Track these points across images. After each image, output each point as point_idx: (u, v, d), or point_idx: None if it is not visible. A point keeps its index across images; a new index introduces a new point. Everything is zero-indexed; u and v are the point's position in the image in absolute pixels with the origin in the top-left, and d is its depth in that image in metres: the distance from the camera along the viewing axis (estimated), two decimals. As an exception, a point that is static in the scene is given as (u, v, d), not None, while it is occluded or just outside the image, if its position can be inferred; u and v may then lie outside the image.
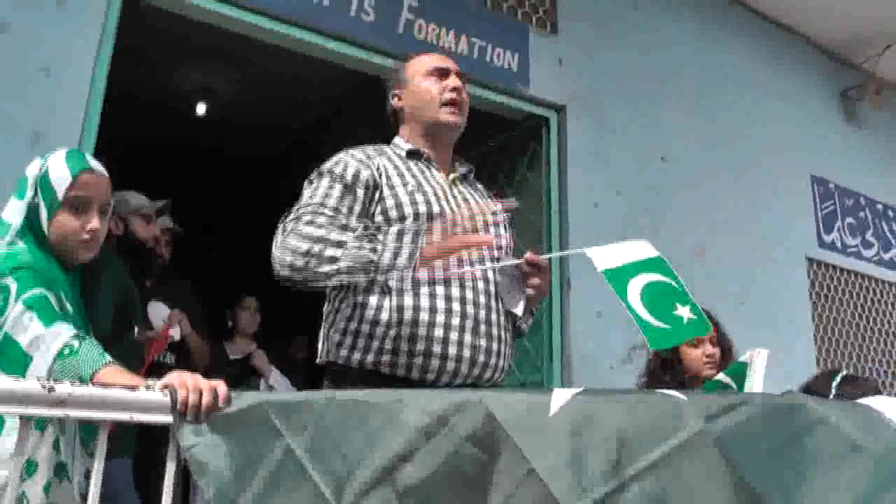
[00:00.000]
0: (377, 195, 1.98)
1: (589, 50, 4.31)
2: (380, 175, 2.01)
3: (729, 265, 4.54)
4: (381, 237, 1.79)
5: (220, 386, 1.43)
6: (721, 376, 2.39)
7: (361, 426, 1.37)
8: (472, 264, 1.98)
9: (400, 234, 1.79)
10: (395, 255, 1.77)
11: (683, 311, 1.79)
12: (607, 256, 1.89)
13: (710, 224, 4.55)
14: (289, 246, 1.82)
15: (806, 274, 5.12)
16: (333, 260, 1.76)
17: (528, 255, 2.00)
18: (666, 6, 4.77)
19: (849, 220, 5.53)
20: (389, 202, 1.97)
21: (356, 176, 1.97)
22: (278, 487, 1.34)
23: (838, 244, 5.40)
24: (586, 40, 4.32)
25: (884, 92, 5.79)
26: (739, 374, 2.41)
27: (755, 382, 2.29)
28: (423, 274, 1.89)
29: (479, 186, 2.27)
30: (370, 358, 1.89)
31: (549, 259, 2.19)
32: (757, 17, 5.33)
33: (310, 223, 1.85)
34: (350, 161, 2.01)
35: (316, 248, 1.79)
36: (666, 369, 2.90)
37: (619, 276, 1.84)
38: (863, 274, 5.58)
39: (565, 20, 4.26)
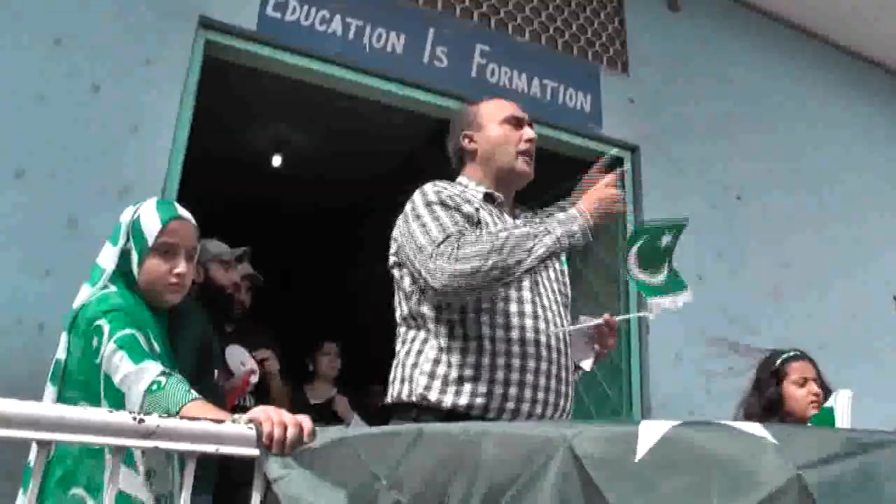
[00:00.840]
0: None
1: (660, 90, 4.30)
2: (477, 210, 2.05)
3: (809, 307, 4.41)
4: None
5: (305, 420, 1.44)
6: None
7: (450, 461, 1.35)
8: (554, 317, 2.04)
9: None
10: (571, 222, 1.90)
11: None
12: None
13: (787, 263, 4.43)
14: (467, 255, 1.83)
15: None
16: (522, 249, 1.83)
17: (606, 317, 2.06)
18: (737, 42, 4.73)
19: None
20: None
21: (459, 208, 2.01)
22: None
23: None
24: (657, 80, 4.31)
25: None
26: (828, 421, 2.33)
27: (842, 425, 2.21)
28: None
29: None
30: (463, 400, 1.90)
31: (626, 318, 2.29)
32: (834, 49, 5.24)
33: (461, 243, 1.87)
34: (451, 192, 2.05)
35: (498, 242, 1.83)
36: (767, 410, 2.76)
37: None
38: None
39: (636, 60, 4.26)
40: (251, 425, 1.39)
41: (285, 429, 1.40)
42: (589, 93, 4.02)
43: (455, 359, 1.93)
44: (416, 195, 2.06)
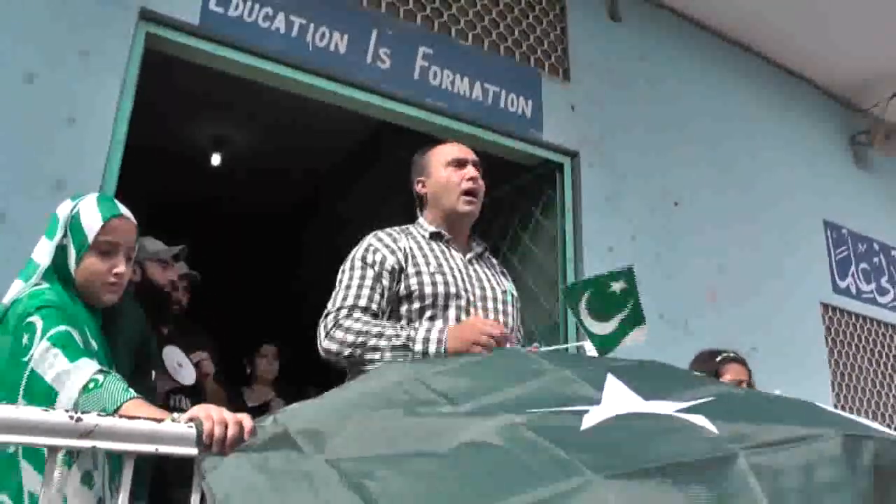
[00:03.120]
0: (402, 276, 2.25)
1: (600, 97, 4.37)
2: (405, 258, 2.28)
3: (742, 310, 4.52)
4: (416, 325, 2.15)
5: (246, 419, 1.43)
6: None
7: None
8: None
9: (431, 319, 2.19)
10: (426, 341, 2.06)
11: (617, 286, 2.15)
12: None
13: (722, 268, 4.55)
14: (336, 338, 2.13)
15: (821, 320, 5.09)
16: (376, 349, 2.08)
17: (534, 346, 2.13)
18: (676, 53, 4.84)
19: (863, 265, 5.52)
20: (413, 280, 2.23)
21: (382, 264, 2.25)
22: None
23: (853, 290, 5.38)
24: (597, 87, 4.38)
25: (892, 136, 5.82)
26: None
27: None
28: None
29: (494, 262, 2.55)
30: None
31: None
32: (767, 63, 5.41)
33: (348, 317, 2.16)
34: (379, 248, 2.29)
35: (360, 339, 2.10)
36: None
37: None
38: (879, 320, 5.54)
39: (577, 67, 4.33)
40: (191, 424, 1.38)
41: (226, 427, 1.39)
42: (530, 98, 4.06)
43: None
44: (361, 243, 2.34)
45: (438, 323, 2.17)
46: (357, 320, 2.14)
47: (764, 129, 5.22)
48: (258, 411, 4.02)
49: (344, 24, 3.56)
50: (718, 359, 3.06)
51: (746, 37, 5.20)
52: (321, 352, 2.17)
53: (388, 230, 2.39)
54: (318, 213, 6.60)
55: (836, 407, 4.90)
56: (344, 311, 2.18)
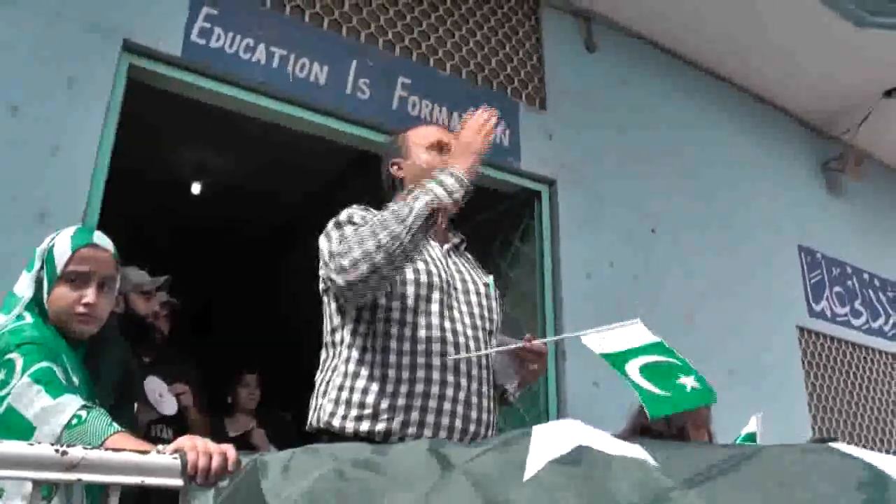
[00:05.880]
0: None
1: (577, 126, 4.44)
2: None
3: (719, 335, 4.57)
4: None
5: (230, 450, 1.44)
6: None
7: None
8: (468, 342, 2.01)
9: (414, 312, 1.98)
10: (442, 184, 1.91)
11: (687, 381, 1.77)
12: (605, 342, 1.88)
13: (699, 294, 4.61)
14: (356, 245, 1.86)
15: (797, 343, 5.16)
16: (403, 219, 1.85)
17: (527, 338, 2.04)
18: (651, 83, 4.93)
19: (837, 289, 5.60)
20: None
21: (365, 221, 2.02)
22: None
23: (828, 313, 5.46)
24: (574, 116, 4.44)
25: (863, 163, 5.95)
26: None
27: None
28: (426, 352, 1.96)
29: (470, 257, 2.34)
30: (364, 426, 1.90)
31: (547, 342, 2.21)
32: (740, 91, 5.51)
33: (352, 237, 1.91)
34: (355, 213, 2.07)
35: (381, 225, 1.86)
36: (675, 437, 2.84)
37: (617, 358, 1.83)
38: (853, 343, 5.62)
39: (553, 96, 4.39)
40: (176, 455, 1.39)
41: (210, 458, 1.40)
42: (508, 127, 4.11)
43: (359, 385, 1.93)
44: (331, 220, 2.11)
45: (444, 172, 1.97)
46: (363, 229, 1.90)
47: (739, 155, 5.31)
48: (240, 440, 4.01)
49: (324, 54, 3.60)
50: None
51: (720, 66, 5.30)
52: (348, 292, 1.88)
53: (363, 206, 2.16)
54: (296, 240, 6.63)
55: (812, 429, 4.96)
56: (349, 232, 1.94)
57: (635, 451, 1.31)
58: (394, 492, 1.34)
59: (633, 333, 1.88)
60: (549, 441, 1.36)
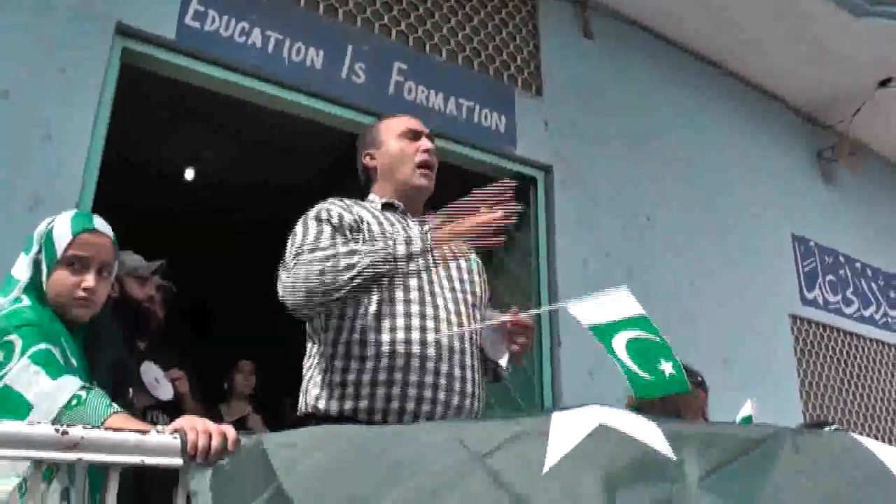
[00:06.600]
0: (361, 230, 2.05)
1: (573, 112, 4.43)
2: (360, 221, 2.07)
3: (713, 323, 4.59)
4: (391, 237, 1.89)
5: (229, 430, 1.44)
6: None
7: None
8: (448, 317, 2.01)
9: (389, 289, 1.95)
10: (408, 243, 1.85)
11: (666, 367, 1.81)
12: (592, 312, 1.88)
13: (693, 282, 4.62)
14: (300, 274, 1.85)
15: (790, 331, 5.18)
16: (351, 267, 1.81)
17: (513, 311, 2.04)
18: (648, 71, 4.93)
19: (829, 277, 5.63)
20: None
21: (341, 218, 2.03)
22: None
23: (820, 301, 5.49)
24: (570, 103, 4.44)
25: (857, 152, 5.97)
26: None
27: None
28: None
29: None
30: (348, 405, 1.91)
31: (535, 315, 2.20)
32: (737, 81, 5.52)
33: (313, 251, 1.90)
34: (332, 207, 2.07)
35: (329, 263, 1.83)
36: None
37: (604, 331, 1.86)
38: (844, 330, 5.66)
39: (550, 83, 4.39)
40: (176, 435, 1.39)
41: (210, 438, 1.40)
42: (503, 114, 4.11)
43: (339, 365, 1.95)
44: (310, 210, 2.10)
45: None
46: (326, 248, 1.89)
47: (734, 145, 5.32)
48: (236, 426, 4.01)
49: (319, 39, 3.59)
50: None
51: (717, 55, 5.31)
52: (287, 302, 1.89)
53: (337, 198, 2.14)
54: (290, 226, 6.56)
55: (803, 415, 4.98)
56: (307, 249, 1.92)
57: (656, 439, 1.35)
58: (415, 468, 1.36)
59: (619, 303, 1.88)
60: (568, 429, 1.39)
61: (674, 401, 2.85)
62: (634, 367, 1.80)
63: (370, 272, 1.82)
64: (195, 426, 1.41)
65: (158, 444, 1.37)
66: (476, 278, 2.19)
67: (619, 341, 1.84)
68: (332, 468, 1.37)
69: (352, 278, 1.82)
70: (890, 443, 1.84)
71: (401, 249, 1.85)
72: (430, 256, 1.91)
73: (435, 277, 2.07)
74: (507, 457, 1.37)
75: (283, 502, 1.32)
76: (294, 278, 1.86)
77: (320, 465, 1.37)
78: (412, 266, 1.89)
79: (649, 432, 1.45)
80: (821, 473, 1.44)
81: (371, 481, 1.35)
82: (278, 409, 4.86)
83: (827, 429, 2.98)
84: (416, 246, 1.86)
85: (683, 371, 1.81)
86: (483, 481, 1.33)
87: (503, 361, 2.08)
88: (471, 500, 1.30)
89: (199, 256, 6.45)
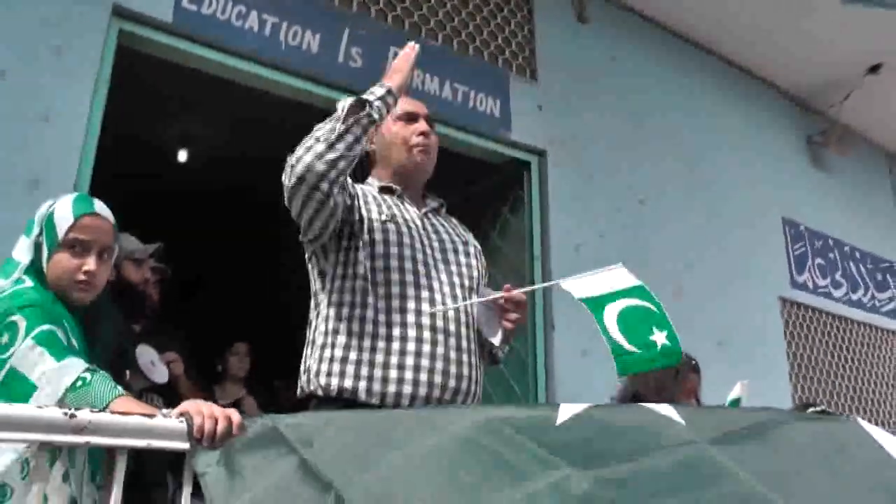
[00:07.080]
0: (355, 204, 2.08)
1: (567, 97, 4.45)
2: (357, 196, 2.10)
3: (706, 306, 4.63)
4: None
5: (234, 414, 1.46)
6: None
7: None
8: (444, 299, 2.04)
9: (385, 272, 2.02)
10: (371, 92, 1.98)
11: (659, 337, 1.79)
12: (586, 286, 1.89)
13: (687, 265, 4.66)
14: (299, 152, 1.94)
15: (780, 313, 5.23)
16: (333, 129, 1.91)
17: (506, 288, 2.05)
18: (642, 55, 4.94)
19: (819, 260, 5.68)
20: (364, 227, 2.05)
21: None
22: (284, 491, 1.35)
23: (810, 284, 5.54)
24: (564, 87, 4.45)
25: (846, 137, 6.01)
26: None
27: None
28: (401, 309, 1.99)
29: (454, 220, 2.35)
30: (347, 383, 1.93)
31: (528, 292, 2.22)
32: (729, 66, 5.55)
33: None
34: None
35: (319, 132, 1.93)
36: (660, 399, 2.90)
37: (597, 301, 1.85)
38: (833, 313, 5.72)
39: (544, 67, 4.40)
40: (182, 419, 1.41)
41: (216, 422, 1.42)
42: (498, 98, 4.12)
43: (340, 341, 1.96)
44: None
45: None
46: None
47: (727, 129, 5.35)
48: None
49: (316, 23, 3.58)
50: (688, 365, 3.05)
51: (709, 40, 5.33)
52: (291, 191, 1.95)
53: None
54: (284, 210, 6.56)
55: (792, 398, 5.05)
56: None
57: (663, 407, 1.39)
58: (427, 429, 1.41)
59: (615, 277, 1.90)
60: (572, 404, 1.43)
61: (669, 385, 2.90)
62: (622, 340, 1.77)
63: (352, 123, 1.91)
64: (201, 410, 1.42)
65: (165, 427, 1.39)
66: (472, 261, 2.20)
67: (612, 311, 1.83)
68: (348, 440, 1.41)
69: (339, 134, 1.90)
70: (876, 423, 1.87)
71: (371, 97, 1.96)
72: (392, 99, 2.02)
73: (430, 260, 2.08)
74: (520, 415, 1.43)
75: (308, 470, 1.35)
76: (295, 160, 1.93)
77: (336, 438, 1.41)
78: (390, 100, 2.00)
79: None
80: (825, 454, 1.47)
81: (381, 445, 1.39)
82: (270, 391, 4.90)
83: (810, 410, 3.04)
84: (379, 91, 1.99)
85: (678, 340, 1.79)
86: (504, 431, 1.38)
87: (497, 340, 2.10)
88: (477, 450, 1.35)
89: (195, 235, 6.45)
